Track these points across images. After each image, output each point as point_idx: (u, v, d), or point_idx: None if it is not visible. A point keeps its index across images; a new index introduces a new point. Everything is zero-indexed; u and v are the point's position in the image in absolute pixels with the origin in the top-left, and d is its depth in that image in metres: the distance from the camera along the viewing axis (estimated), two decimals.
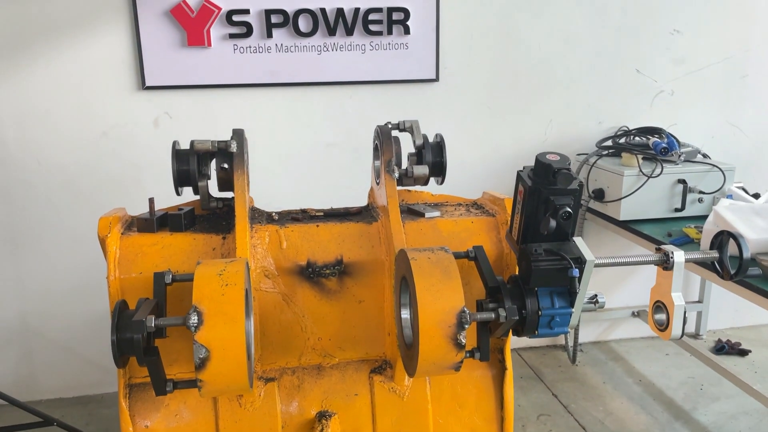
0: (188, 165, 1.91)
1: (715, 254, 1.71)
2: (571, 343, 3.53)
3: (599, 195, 3.13)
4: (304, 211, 2.13)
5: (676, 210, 3.02)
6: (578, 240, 1.66)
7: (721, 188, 2.97)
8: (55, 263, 3.12)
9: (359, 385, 1.94)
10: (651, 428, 2.93)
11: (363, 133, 3.28)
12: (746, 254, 1.64)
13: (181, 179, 1.91)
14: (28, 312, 3.17)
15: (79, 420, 3.06)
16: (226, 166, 1.94)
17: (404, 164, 2.07)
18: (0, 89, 2.88)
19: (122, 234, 1.86)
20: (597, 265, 1.65)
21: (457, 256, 1.80)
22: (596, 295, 1.73)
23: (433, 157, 2.04)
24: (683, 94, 3.53)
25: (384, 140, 2.03)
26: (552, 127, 3.45)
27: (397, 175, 1.99)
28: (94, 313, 3.21)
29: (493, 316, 1.60)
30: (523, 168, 1.73)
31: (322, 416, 1.89)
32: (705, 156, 3.27)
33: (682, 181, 2.98)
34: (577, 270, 1.59)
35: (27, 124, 2.95)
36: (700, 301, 3.82)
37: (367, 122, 3.23)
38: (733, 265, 1.71)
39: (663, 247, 1.69)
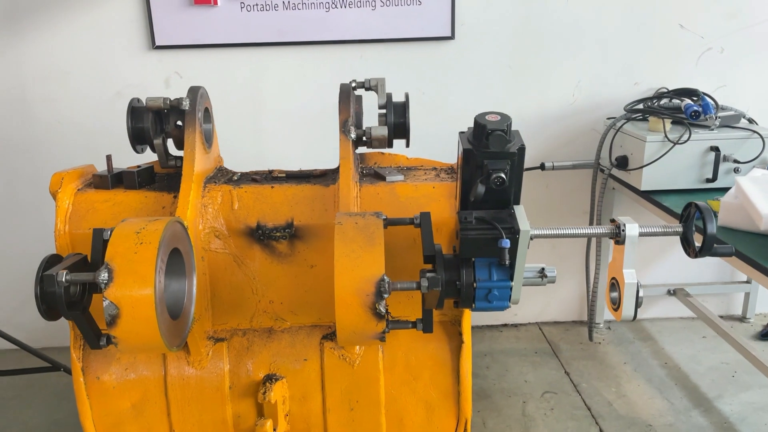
0: (143, 122, 1.90)
1: (678, 228, 1.52)
2: (598, 319, 3.33)
3: (623, 162, 2.88)
4: (270, 171, 2.09)
5: (708, 180, 2.74)
6: (518, 208, 1.53)
7: (758, 156, 2.66)
8: None
9: (309, 350, 1.91)
10: (664, 414, 2.72)
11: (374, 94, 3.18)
12: (711, 229, 1.45)
13: (136, 137, 1.91)
14: None
15: None
16: (180, 123, 1.92)
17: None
18: (22, 49, 3.00)
19: (79, 190, 1.90)
20: (535, 237, 1.51)
21: (402, 222, 1.71)
22: (543, 269, 1.59)
23: (395, 118, 1.93)
24: (734, 53, 3.17)
25: (342, 99, 1.95)
26: (581, 89, 3.21)
27: (354, 135, 1.90)
28: None
29: (414, 285, 1.50)
30: (467, 129, 1.59)
31: (269, 379, 1.87)
32: (751, 121, 2.93)
33: (715, 149, 2.69)
34: (508, 240, 1.46)
35: (48, 84, 3.06)
36: (748, 282, 3.49)
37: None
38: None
39: (618, 218, 1.53)
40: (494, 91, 3.18)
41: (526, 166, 3.13)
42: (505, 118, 1.50)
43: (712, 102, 2.82)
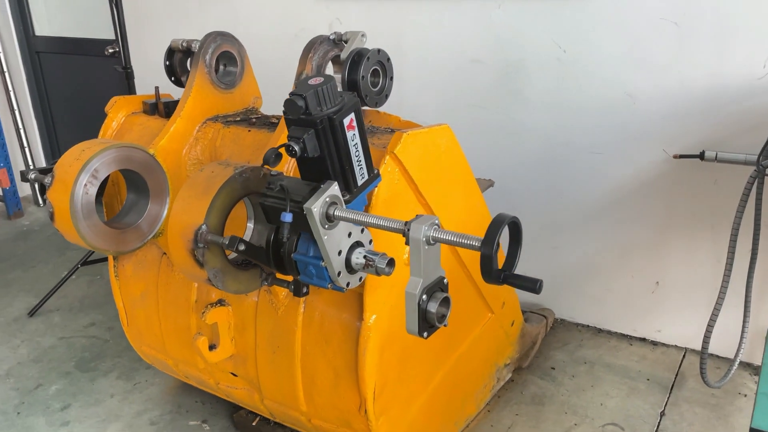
0: (172, 61, 2.21)
1: (475, 242, 1.16)
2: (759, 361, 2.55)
3: None
4: (271, 117, 2.21)
5: None
6: (328, 184, 1.38)
7: None
8: None
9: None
10: None
11: (509, 49, 2.90)
12: (486, 251, 1.10)
13: (169, 72, 2.24)
14: None
15: None
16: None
17: None
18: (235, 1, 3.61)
19: (133, 113, 2.33)
20: (339, 218, 1.36)
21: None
22: (366, 255, 1.42)
23: (349, 74, 1.84)
24: None
25: (303, 53, 1.93)
26: None
27: None
28: None
29: (219, 241, 1.51)
30: None
31: (217, 303, 2.08)
32: None
33: None
34: (289, 215, 1.36)
35: (251, 26, 3.61)
36: None
37: (514, 37, 2.88)
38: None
39: (419, 217, 1.26)
40: (650, 53, 2.57)
41: (683, 153, 2.57)
42: (328, 80, 1.35)
43: None
